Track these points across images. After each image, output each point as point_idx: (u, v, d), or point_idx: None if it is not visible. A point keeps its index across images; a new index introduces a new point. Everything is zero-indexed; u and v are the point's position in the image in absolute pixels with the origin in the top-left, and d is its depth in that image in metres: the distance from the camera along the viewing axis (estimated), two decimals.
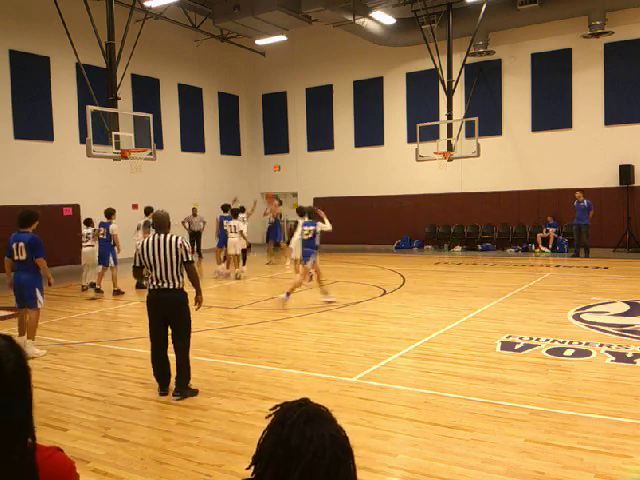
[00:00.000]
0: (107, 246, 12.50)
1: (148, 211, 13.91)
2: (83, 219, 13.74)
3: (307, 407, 1.27)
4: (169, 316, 5.76)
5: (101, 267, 12.70)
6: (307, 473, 1.17)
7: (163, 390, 5.84)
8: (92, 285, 12.79)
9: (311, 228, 10.41)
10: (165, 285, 5.69)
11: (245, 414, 5.24)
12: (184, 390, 5.73)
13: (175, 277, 5.71)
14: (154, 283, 5.72)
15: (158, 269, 5.69)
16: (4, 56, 16.12)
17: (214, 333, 8.62)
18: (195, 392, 5.78)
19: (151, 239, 5.80)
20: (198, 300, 5.98)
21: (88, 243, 12.76)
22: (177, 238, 5.81)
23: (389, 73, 21.52)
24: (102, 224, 12.66)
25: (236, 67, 23.83)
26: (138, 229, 13.95)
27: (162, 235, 5.79)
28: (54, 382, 6.41)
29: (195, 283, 5.90)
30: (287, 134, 23.93)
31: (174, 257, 5.69)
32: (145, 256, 5.75)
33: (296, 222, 12.76)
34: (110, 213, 12.68)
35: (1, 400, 1.28)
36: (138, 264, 5.85)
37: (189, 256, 5.81)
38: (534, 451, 4.25)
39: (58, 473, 1.35)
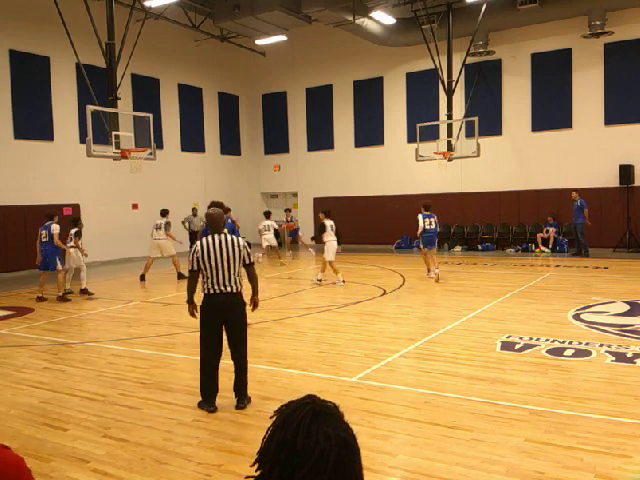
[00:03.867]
0: (51, 249, 11.83)
1: (164, 213, 14.55)
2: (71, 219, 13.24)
3: (314, 405, 1.24)
4: (230, 322, 5.38)
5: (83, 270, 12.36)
6: (312, 474, 1.16)
7: (213, 406, 5.34)
8: (83, 291, 12.44)
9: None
10: (229, 289, 5.30)
11: (245, 414, 5.24)
12: (246, 397, 5.45)
13: (237, 280, 5.37)
14: (215, 287, 5.28)
15: (221, 272, 5.27)
16: (4, 56, 16.12)
17: None
18: (249, 399, 5.48)
19: (210, 239, 5.35)
20: (255, 301, 5.74)
21: (71, 244, 12.34)
22: (239, 239, 5.48)
23: (389, 73, 21.52)
24: (44, 226, 11.99)
25: (236, 67, 23.83)
26: (158, 228, 14.32)
27: (222, 236, 5.39)
28: (54, 382, 6.42)
29: (255, 285, 5.66)
30: (287, 134, 23.93)
31: (238, 259, 5.36)
32: (206, 258, 5.28)
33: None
34: (52, 215, 12.14)
35: None
36: (196, 267, 5.35)
37: (251, 258, 5.53)
38: (534, 451, 4.25)
39: (7, 471, 1.27)
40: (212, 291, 5.32)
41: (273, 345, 7.78)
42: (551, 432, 4.58)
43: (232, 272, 5.33)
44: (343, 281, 12.80)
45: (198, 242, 5.45)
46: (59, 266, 11.90)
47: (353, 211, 21.90)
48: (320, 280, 12.97)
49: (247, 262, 5.47)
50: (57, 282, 11.94)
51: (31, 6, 16.38)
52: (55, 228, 11.85)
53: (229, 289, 5.31)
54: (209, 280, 5.31)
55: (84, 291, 12.40)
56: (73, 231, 12.43)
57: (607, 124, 18.15)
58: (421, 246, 13.45)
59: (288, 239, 19.88)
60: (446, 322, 8.70)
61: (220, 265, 5.29)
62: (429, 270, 13.31)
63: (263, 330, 8.65)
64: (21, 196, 16.29)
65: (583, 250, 16.82)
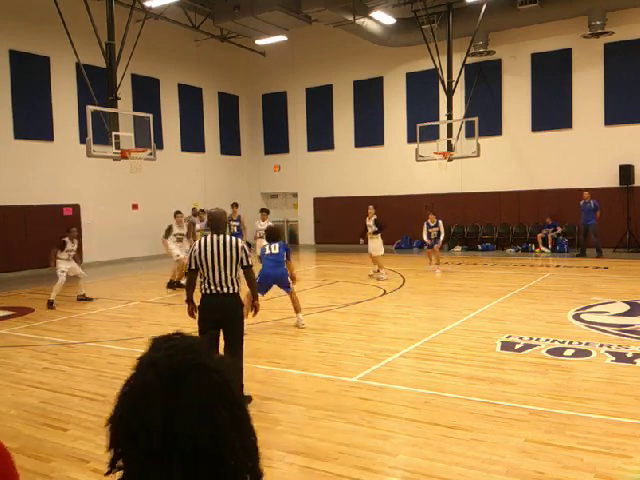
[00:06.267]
0: None
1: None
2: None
3: (166, 364, 0.98)
4: (225, 322, 5.35)
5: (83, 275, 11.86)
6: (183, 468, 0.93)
7: None
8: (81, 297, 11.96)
9: None
10: (225, 290, 5.30)
11: None
12: (245, 397, 5.45)
13: (234, 281, 5.36)
14: (212, 287, 5.31)
15: (217, 272, 5.28)
16: (4, 56, 16.12)
17: None
18: (249, 399, 5.33)
19: (209, 240, 5.36)
20: (255, 306, 5.72)
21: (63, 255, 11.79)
22: (237, 240, 5.47)
23: (389, 73, 21.52)
24: None
25: (236, 67, 23.82)
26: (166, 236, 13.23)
27: (221, 236, 5.38)
28: (54, 382, 6.42)
29: (253, 288, 5.69)
30: (287, 134, 23.92)
31: (234, 260, 5.33)
32: (202, 258, 5.30)
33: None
34: None
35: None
36: (194, 266, 5.37)
37: (249, 260, 5.46)
38: (534, 451, 4.25)
39: None
40: (209, 291, 5.35)
41: (273, 345, 7.78)
42: (551, 432, 4.58)
43: (229, 273, 5.32)
44: (378, 271, 13.86)
45: (196, 241, 5.53)
46: None
47: (353, 211, 21.83)
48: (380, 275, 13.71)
49: (245, 264, 5.43)
50: None
51: (31, 6, 16.37)
52: None
53: (225, 290, 5.32)
54: (206, 280, 5.35)
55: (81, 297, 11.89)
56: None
57: (607, 124, 18.15)
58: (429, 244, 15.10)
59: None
60: (446, 322, 8.70)
61: (217, 265, 5.29)
62: (438, 264, 14.77)
63: (263, 330, 8.65)
64: (21, 196, 16.29)
65: (597, 250, 16.57)
